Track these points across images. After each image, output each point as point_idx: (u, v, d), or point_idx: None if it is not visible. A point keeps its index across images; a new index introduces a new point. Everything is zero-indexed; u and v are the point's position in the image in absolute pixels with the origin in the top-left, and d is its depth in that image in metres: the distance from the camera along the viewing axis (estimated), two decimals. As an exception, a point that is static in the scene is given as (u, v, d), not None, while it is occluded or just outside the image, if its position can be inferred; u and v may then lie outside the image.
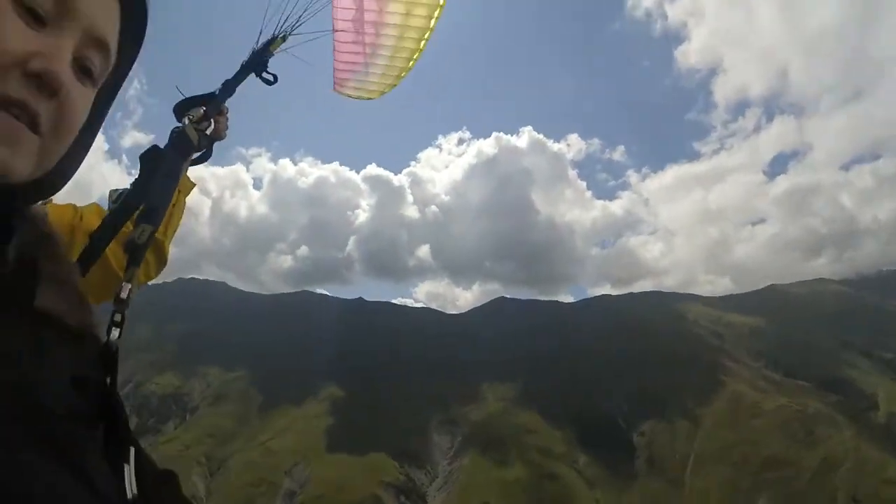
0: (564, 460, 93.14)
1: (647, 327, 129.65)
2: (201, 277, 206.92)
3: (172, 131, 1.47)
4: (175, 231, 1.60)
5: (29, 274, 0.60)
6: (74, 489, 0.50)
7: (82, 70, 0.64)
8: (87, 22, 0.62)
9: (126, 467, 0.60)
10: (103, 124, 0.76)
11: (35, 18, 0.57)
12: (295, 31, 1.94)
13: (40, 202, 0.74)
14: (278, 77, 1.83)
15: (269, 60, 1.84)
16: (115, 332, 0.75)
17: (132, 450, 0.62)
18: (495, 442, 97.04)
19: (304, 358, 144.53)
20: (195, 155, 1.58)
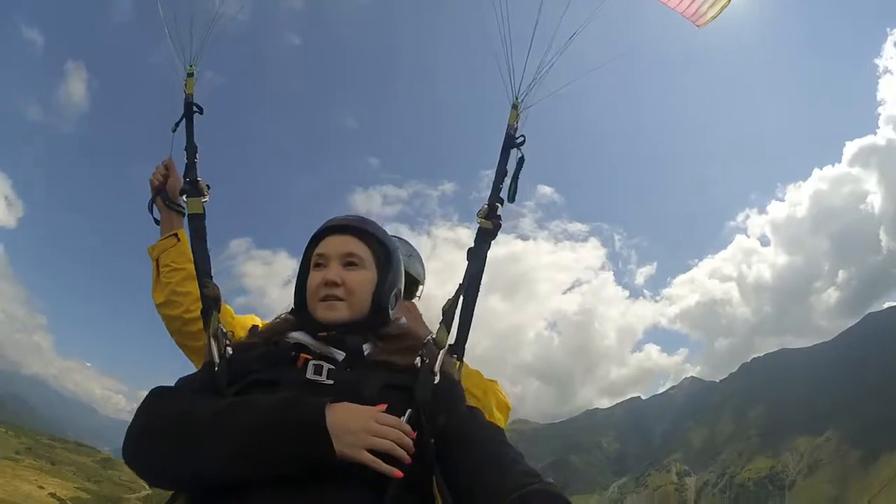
0: None
1: None
2: (761, 354, 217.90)
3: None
4: None
5: (374, 354, 1.36)
6: None
7: (348, 266, 1.43)
8: (337, 255, 1.43)
9: (402, 418, 1.18)
10: (391, 276, 1.50)
11: (321, 268, 1.43)
12: (530, 93, 2.08)
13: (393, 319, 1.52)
14: (525, 137, 2.02)
15: (515, 133, 2.03)
16: (418, 360, 1.35)
17: (408, 411, 1.20)
18: None
19: (890, 387, 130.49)
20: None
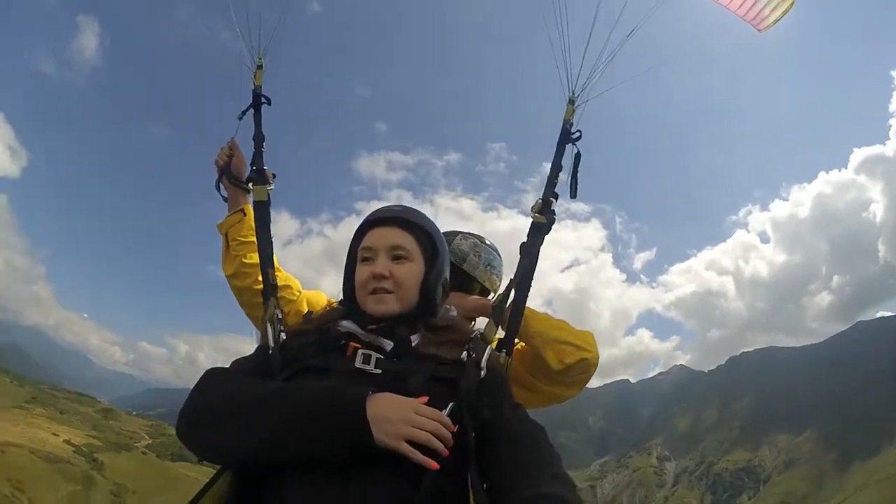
0: None
1: None
2: (750, 349, 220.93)
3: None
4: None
5: (422, 345, 1.36)
6: None
7: (395, 259, 1.40)
8: (384, 248, 1.41)
9: (443, 410, 1.19)
10: (438, 267, 1.46)
11: (368, 261, 1.41)
12: (588, 89, 2.04)
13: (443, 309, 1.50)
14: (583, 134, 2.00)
15: (571, 128, 2.01)
16: (464, 354, 1.35)
17: (450, 405, 1.21)
18: None
19: (872, 396, 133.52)
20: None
